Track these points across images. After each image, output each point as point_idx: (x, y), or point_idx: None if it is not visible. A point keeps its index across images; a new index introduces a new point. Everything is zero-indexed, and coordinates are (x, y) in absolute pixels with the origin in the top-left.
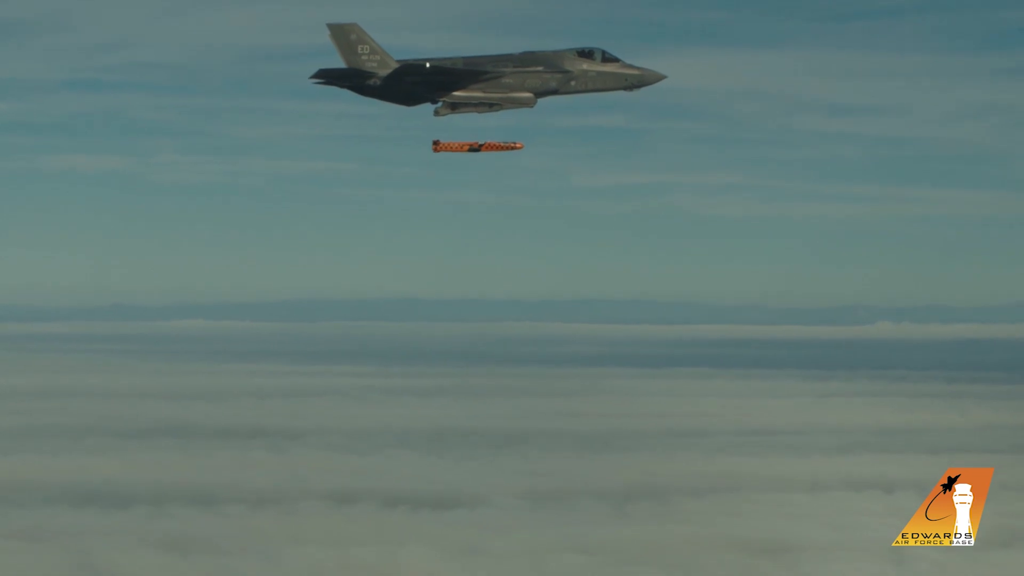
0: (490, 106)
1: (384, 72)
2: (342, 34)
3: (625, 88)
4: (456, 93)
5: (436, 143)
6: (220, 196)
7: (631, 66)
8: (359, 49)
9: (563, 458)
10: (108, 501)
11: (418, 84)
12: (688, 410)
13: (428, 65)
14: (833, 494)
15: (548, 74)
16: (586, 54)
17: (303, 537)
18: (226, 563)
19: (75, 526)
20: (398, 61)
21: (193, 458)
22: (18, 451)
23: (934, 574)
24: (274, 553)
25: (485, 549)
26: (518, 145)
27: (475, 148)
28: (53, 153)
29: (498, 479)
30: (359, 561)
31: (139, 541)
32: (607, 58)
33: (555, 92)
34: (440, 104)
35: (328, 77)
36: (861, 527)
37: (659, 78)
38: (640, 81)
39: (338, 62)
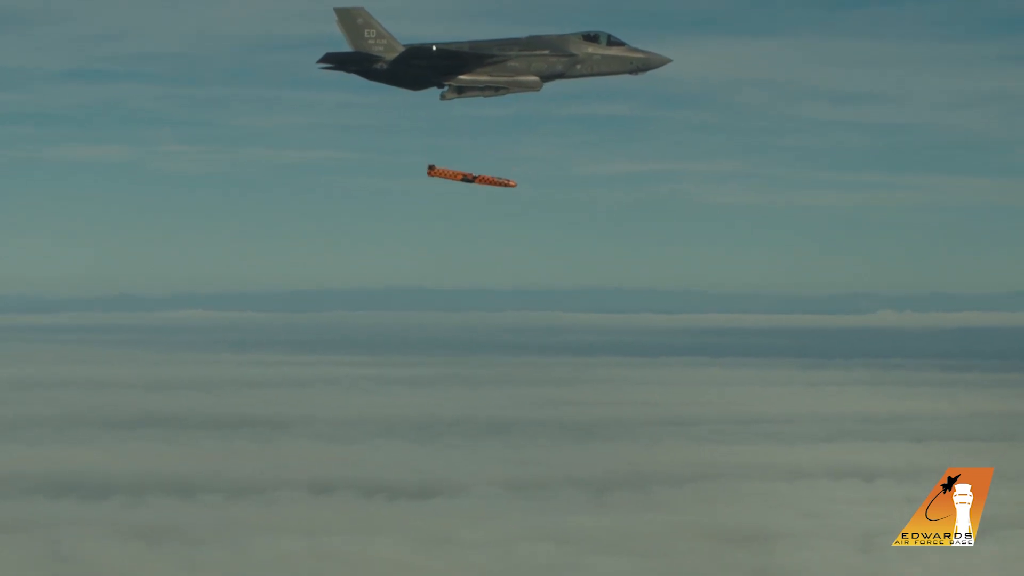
0: (496, 90)
1: (391, 56)
2: (349, 18)
3: (630, 72)
4: (462, 77)
5: (431, 168)
6: (222, 186)
7: (636, 50)
8: (366, 33)
9: (546, 447)
10: (87, 491)
11: (424, 68)
12: (679, 399)
13: (435, 49)
14: (813, 482)
15: (554, 58)
16: (591, 38)
17: (277, 527)
18: (197, 552)
19: (50, 516)
20: (404, 45)
21: (177, 448)
22: (2, 442)
23: (903, 562)
24: (246, 542)
25: (457, 538)
26: (511, 183)
27: (469, 179)
28: (55, 143)
29: (479, 468)
30: (331, 551)
31: (113, 531)
32: (612, 42)
33: (561, 76)
34: (446, 88)
35: (335, 61)
36: (836, 515)
37: (664, 61)
38: (645, 65)
39: (344, 48)
